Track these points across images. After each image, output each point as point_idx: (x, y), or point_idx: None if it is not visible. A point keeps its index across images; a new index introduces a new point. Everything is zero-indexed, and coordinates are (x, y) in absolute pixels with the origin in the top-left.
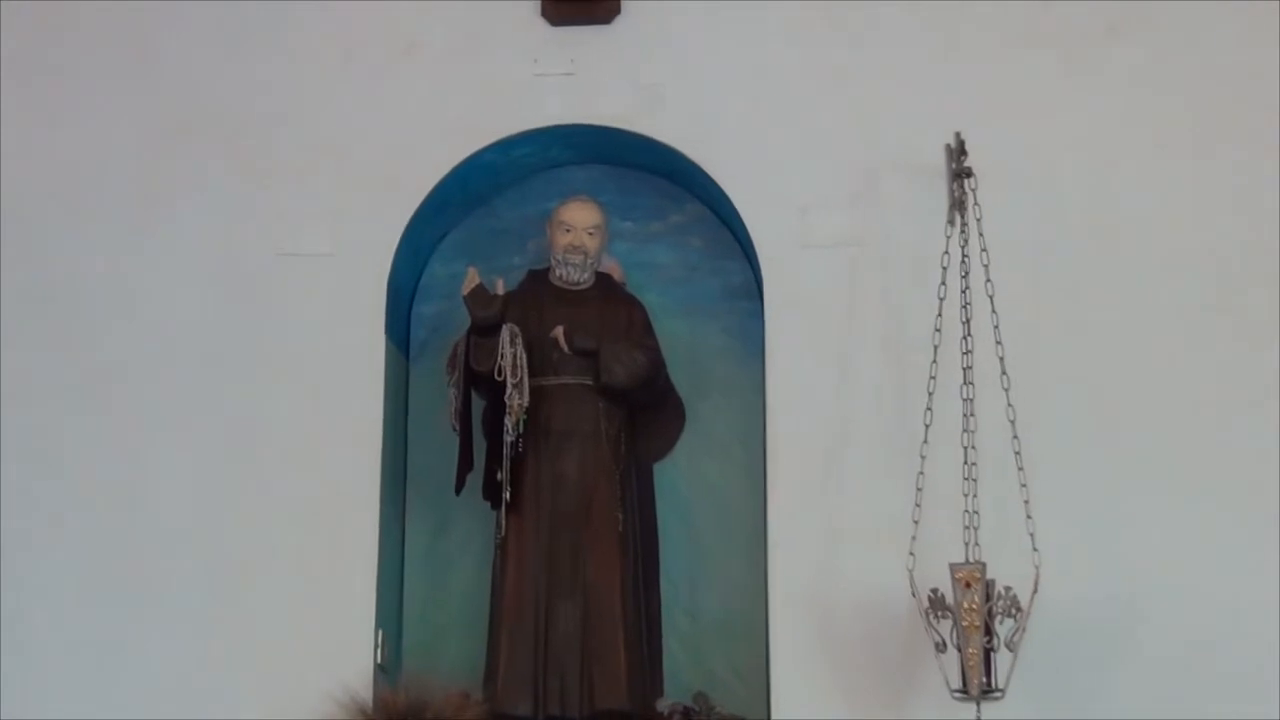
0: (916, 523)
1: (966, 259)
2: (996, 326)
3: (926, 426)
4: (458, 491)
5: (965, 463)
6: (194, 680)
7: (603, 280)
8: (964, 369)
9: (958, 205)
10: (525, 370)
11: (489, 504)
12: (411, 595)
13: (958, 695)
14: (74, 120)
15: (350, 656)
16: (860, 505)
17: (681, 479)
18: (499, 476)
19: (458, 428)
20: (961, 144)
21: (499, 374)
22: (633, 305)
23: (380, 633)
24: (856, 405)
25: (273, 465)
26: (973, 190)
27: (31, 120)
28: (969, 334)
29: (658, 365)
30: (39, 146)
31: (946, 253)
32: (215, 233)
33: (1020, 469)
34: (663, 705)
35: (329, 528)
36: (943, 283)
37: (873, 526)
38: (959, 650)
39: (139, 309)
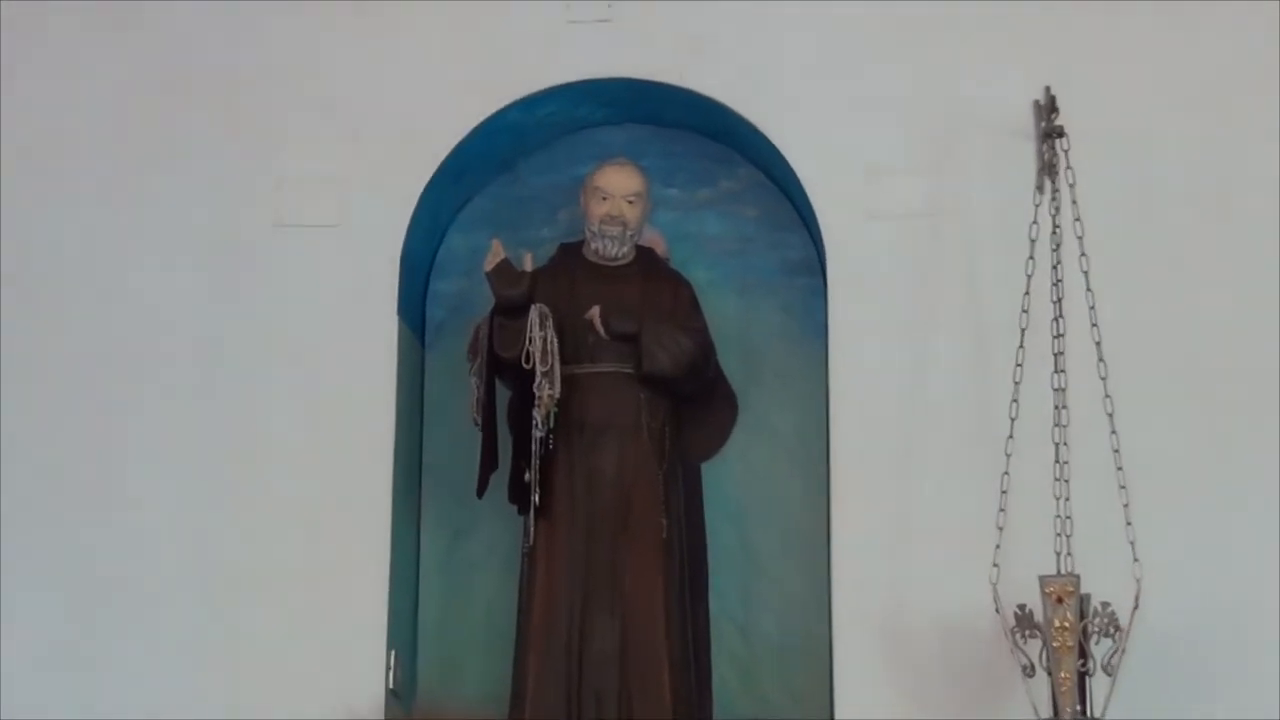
0: (1001, 529)
1: (1058, 230)
2: (1092, 307)
3: (1012, 420)
4: (480, 494)
5: (1057, 461)
6: (182, 706)
7: (644, 255)
8: (1055, 355)
9: (1047, 169)
10: (556, 356)
11: (515, 508)
12: (428, 610)
13: None
14: (45, 76)
15: (359, 679)
16: (936, 509)
17: (733, 479)
18: (527, 477)
19: (480, 421)
20: (1052, 100)
21: (527, 361)
22: (678, 283)
23: (393, 653)
24: (932, 396)
25: (271, 464)
26: (1064, 152)
27: None
28: (1060, 315)
29: (706, 350)
30: (5, 106)
31: (1035, 223)
32: (206, 202)
33: (1119, 468)
34: None
35: (334, 534)
36: (1030, 257)
37: (951, 534)
38: (1049, 674)
39: (119, 288)
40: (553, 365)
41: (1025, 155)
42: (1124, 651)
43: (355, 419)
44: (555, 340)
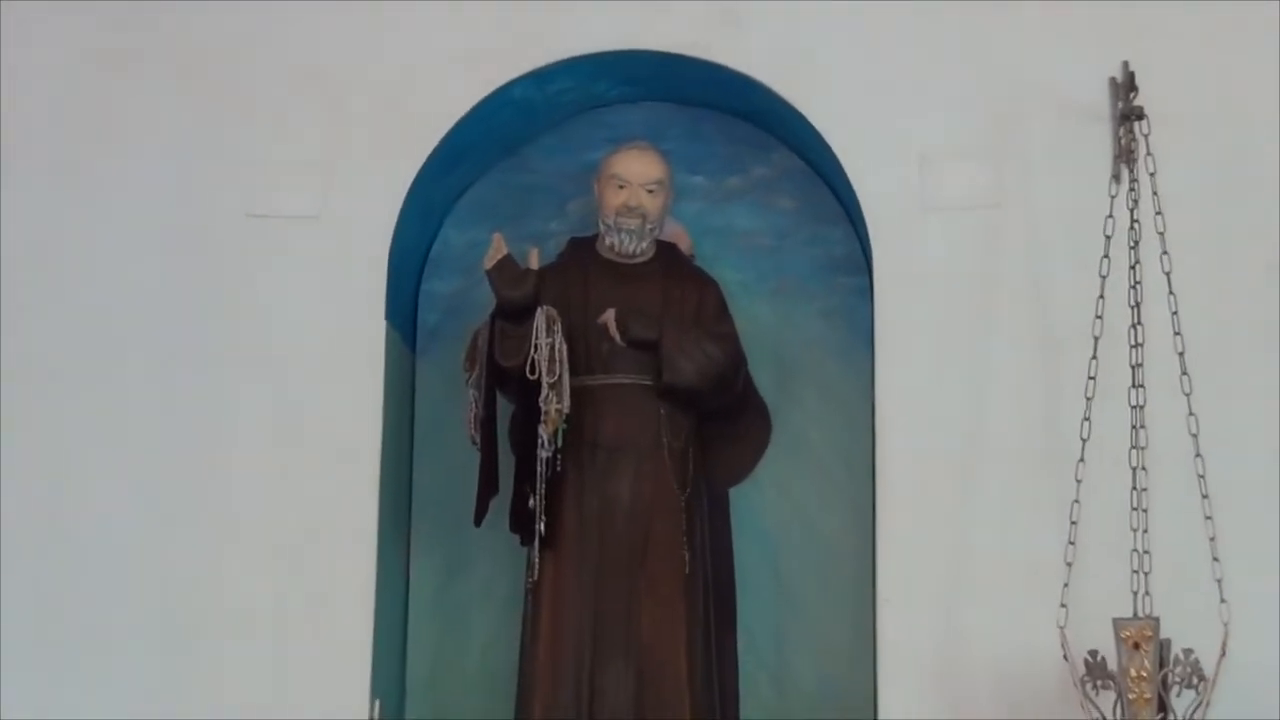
0: (1070, 565)
1: (1136, 225)
2: (1175, 313)
3: (1084, 441)
4: (478, 522)
5: (1134, 489)
6: None
7: (665, 251)
8: (1133, 367)
9: (1125, 156)
10: (565, 366)
11: (518, 538)
12: (418, 653)
13: None
14: None
15: None
16: (996, 542)
17: (766, 508)
18: (531, 503)
19: (478, 440)
20: (1130, 77)
21: (532, 371)
22: (704, 283)
23: (377, 703)
24: (992, 414)
25: (241, 487)
26: (1144, 137)
27: None
28: (1139, 322)
29: (735, 360)
30: None
31: (1110, 217)
32: (170, 189)
33: (1205, 496)
34: None
35: (313, 567)
36: (1105, 256)
37: (1013, 570)
38: None
39: (67, 287)
40: (561, 376)
41: (1100, 140)
42: (1209, 705)
43: (337, 437)
44: (564, 348)
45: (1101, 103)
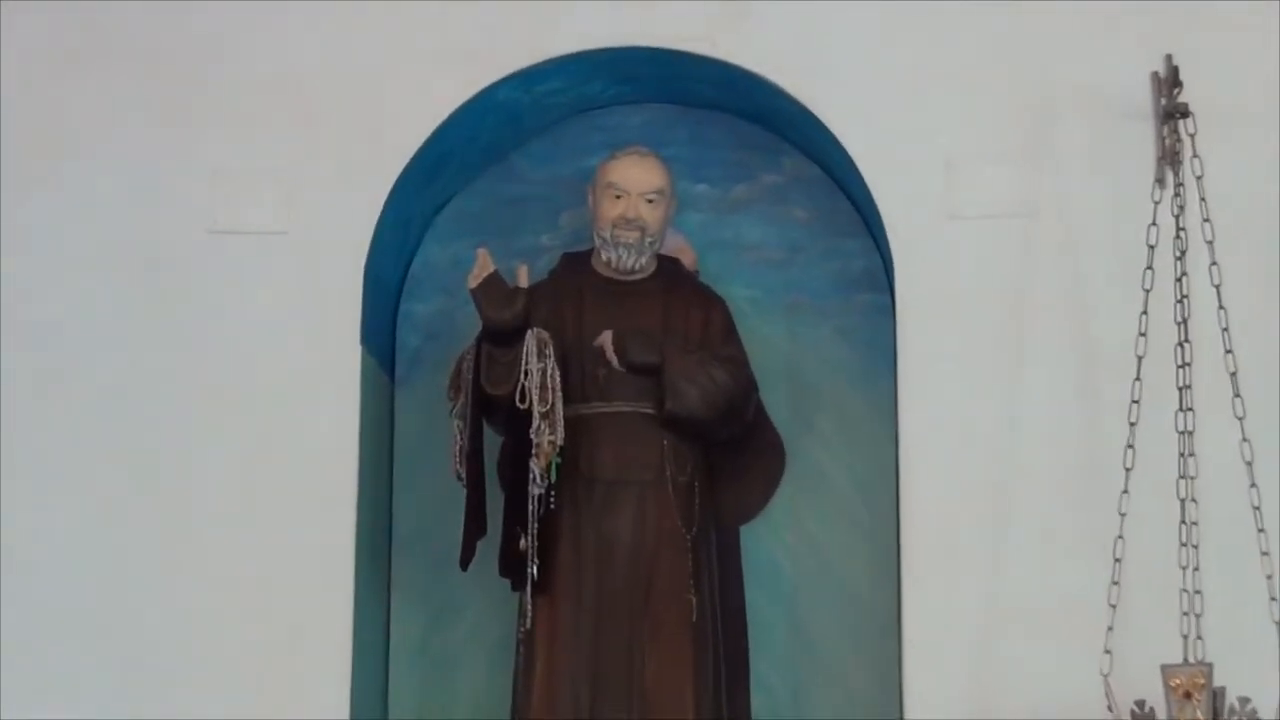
0: (1113, 608)
1: (1182, 233)
2: (1226, 329)
3: (1127, 471)
4: (465, 565)
5: (1183, 522)
6: None
7: (667, 267)
8: (1180, 389)
9: (1168, 158)
10: (559, 394)
11: (508, 583)
12: (400, 708)
13: None
14: None
15: None
16: (1033, 584)
17: (780, 547)
18: (522, 544)
19: (464, 476)
20: (1175, 72)
21: (522, 399)
22: (710, 302)
23: None
24: (1027, 442)
25: (206, 528)
26: (1190, 136)
27: None
28: (1186, 339)
29: (745, 386)
30: None
31: (1154, 224)
32: (123, 202)
33: (1260, 530)
34: None
35: (284, 615)
36: (1149, 267)
37: (1051, 614)
38: None
39: (18, 306)
40: (554, 405)
41: (1141, 141)
42: None
43: (309, 473)
44: (557, 373)
45: (1143, 100)
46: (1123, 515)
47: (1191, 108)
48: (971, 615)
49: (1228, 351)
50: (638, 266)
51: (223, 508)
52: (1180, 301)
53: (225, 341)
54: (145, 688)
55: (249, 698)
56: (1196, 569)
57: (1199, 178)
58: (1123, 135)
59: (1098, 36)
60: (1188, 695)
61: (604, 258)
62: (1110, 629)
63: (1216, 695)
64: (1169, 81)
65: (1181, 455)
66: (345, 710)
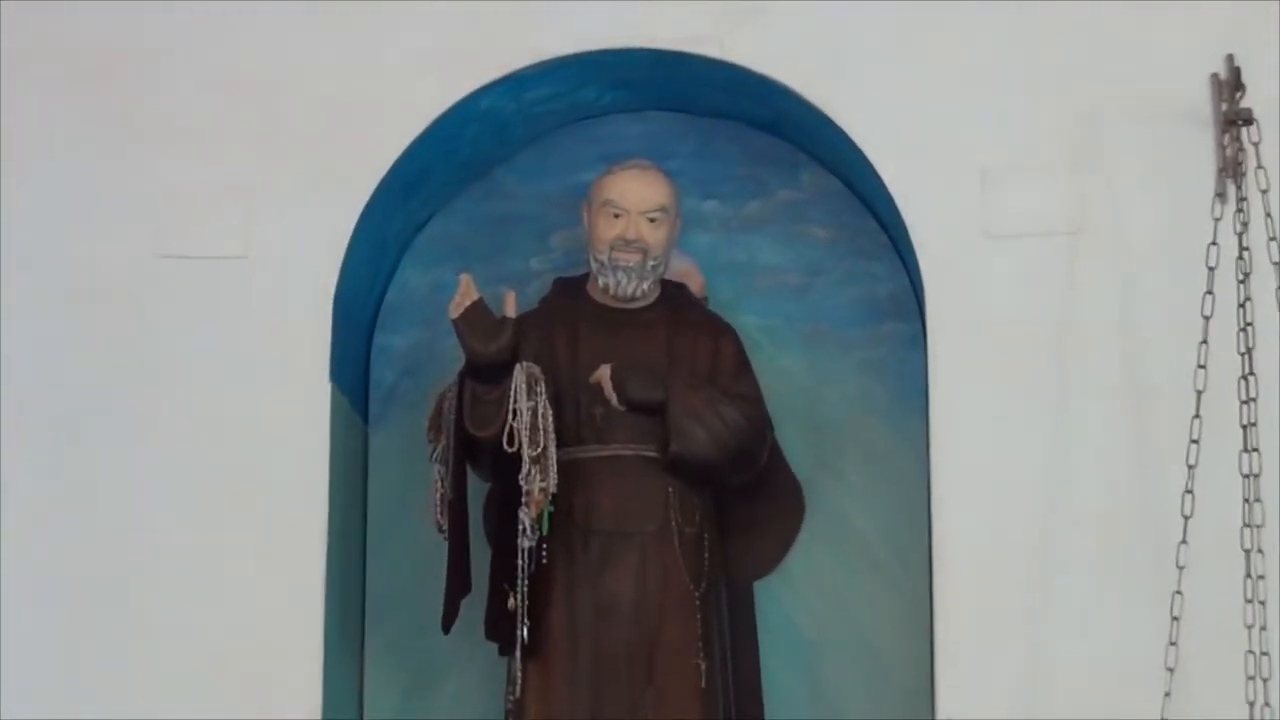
0: (1171, 671)
1: (1246, 254)
2: None
3: (1185, 519)
4: (447, 628)
5: (1248, 576)
6: None
7: (672, 294)
8: (1244, 427)
9: (1230, 170)
10: (551, 436)
11: (495, 646)
12: None
13: None
14: None
15: None
16: (1082, 646)
17: (799, 604)
18: (511, 604)
19: (446, 527)
20: (1236, 74)
21: (510, 442)
22: (719, 332)
23: None
24: (1074, 488)
25: (158, 587)
26: (1254, 145)
27: None
28: (1251, 372)
29: (759, 426)
30: None
31: (1214, 244)
32: (65, 224)
33: None
34: None
35: (248, 683)
36: (1209, 292)
37: (1102, 681)
38: None
39: None
40: (546, 448)
41: (1200, 151)
42: None
43: (273, 525)
44: (549, 413)
45: (1202, 105)
46: (1181, 568)
47: (1255, 113)
48: (1012, 679)
49: None
50: (639, 293)
51: (175, 567)
52: (1244, 330)
53: (177, 379)
54: None
55: None
56: (1264, 628)
57: (1264, 191)
58: (1179, 144)
59: (1151, 34)
60: None
61: (601, 283)
62: (1168, 695)
63: None
64: (1230, 84)
65: (1246, 501)
66: None
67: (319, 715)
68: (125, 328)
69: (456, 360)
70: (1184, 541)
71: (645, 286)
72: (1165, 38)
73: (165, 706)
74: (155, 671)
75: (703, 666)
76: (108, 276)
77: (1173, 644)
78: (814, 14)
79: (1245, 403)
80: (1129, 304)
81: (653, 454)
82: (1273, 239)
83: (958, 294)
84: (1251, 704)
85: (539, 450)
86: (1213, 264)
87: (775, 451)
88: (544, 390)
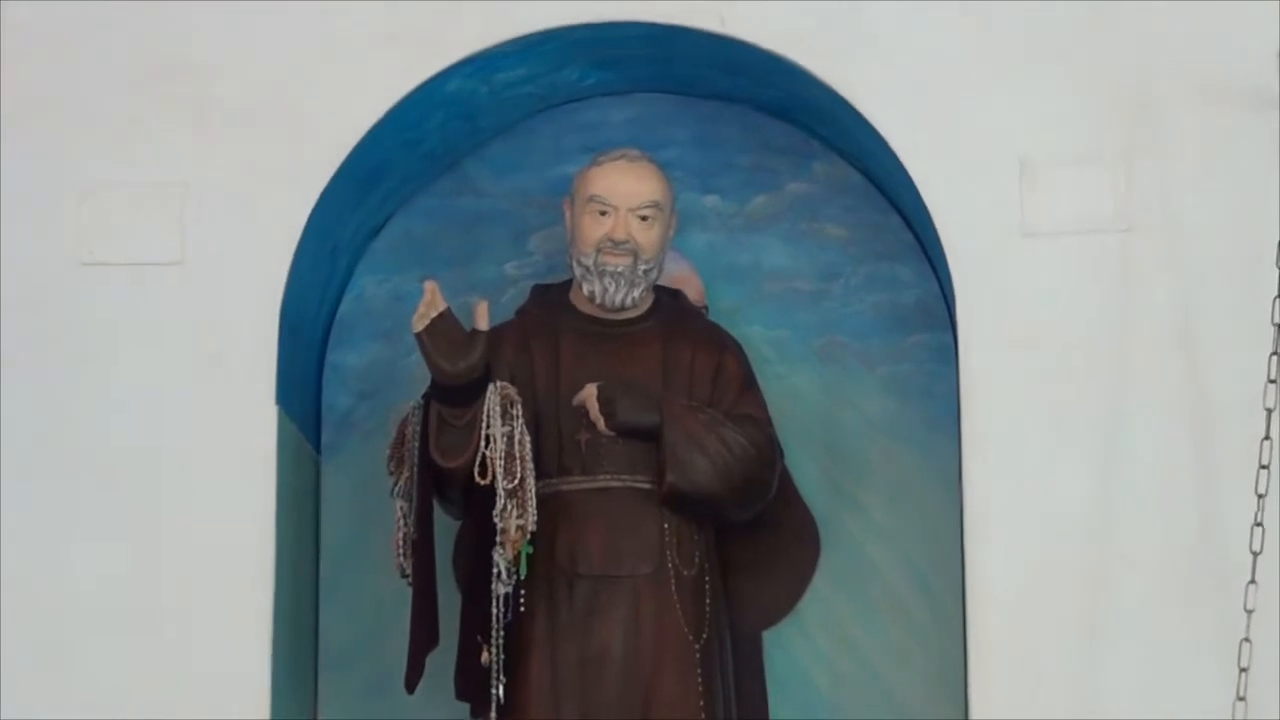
0: None
1: None
2: None
3: (1254, 556)
4: (411, 687)
5: None
6: None
7: (667, 303)
8: None
9: None
10: (530, 466)
11: (468, 707)
12: None
13: None
14: None
15: None
16: (1137, 701)
17: (814, 658)
18: (485, 658)
19: (409, 571)
20: None
21: (483, 473)
22: (721, 346)
23: None
24: (1127, 520)
25: (85, 641)
26: None
27: None
28: None
29: (767, 453)
30: None
31: None
32: None
33: None
34: None
35: None
36: (1279, 296)
37: None
38: None
39: None
40: (523, 480)
41: (1265, 137)
42: None
43: (214, 569)
44: (527, 440)
45: (1268, 86)
46: (1249, 613)
47: None
48: None
49: None
50: (629, 301)
51: (102, 615)
52: None
53: (103, 402)
54: None
55: None
56: None
57: None
58: (1241, 130)
59: (1210, 9)
60: None
61: (586, 291)
62: None
63: None
64: None
65: None
66: None
67: None
68: (45, 343)
69: (421, 380)
70: (1253, 582)
71: (636, 294)
72: (1226, 13)
73: None
74: None
75: None
76: (25, 286)
77: (1241, 699)
78: None
79: None
80: (1188, 310)
81: (646, 486)
82: None
83: (994, 300)
84: None
85: (515, 482)
86: None
87: (786, 482)
88: (521, 414)
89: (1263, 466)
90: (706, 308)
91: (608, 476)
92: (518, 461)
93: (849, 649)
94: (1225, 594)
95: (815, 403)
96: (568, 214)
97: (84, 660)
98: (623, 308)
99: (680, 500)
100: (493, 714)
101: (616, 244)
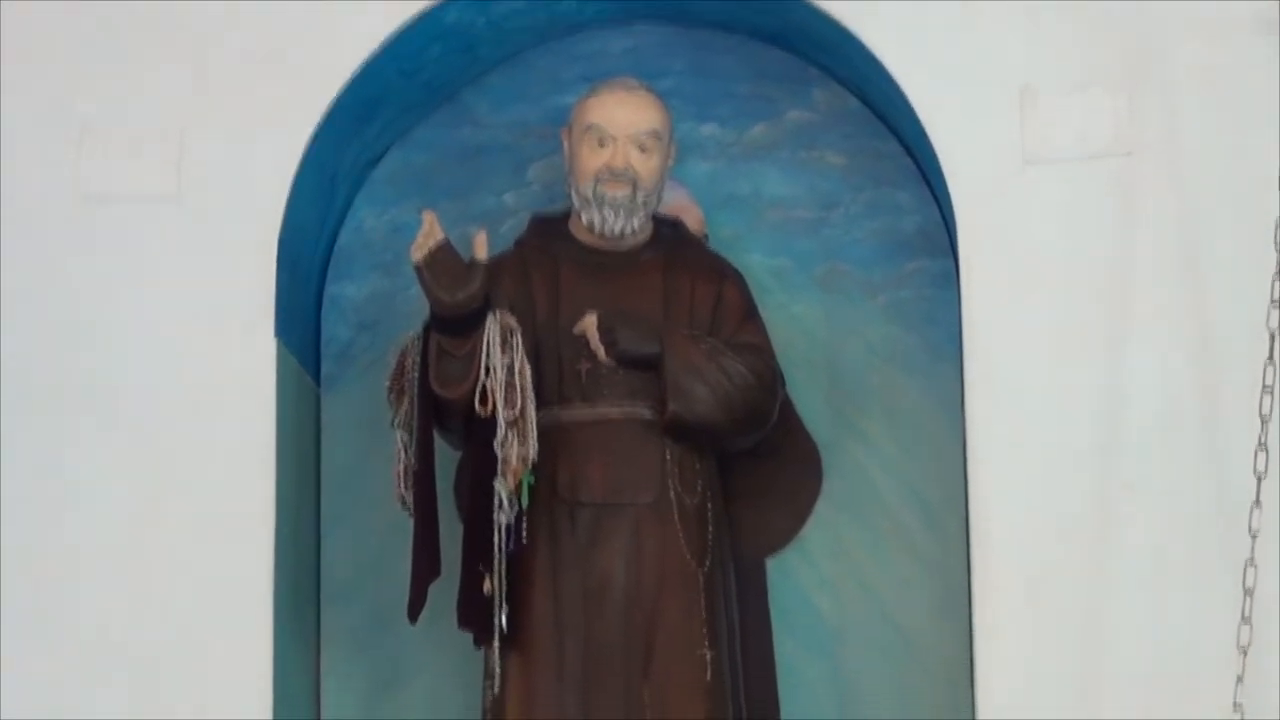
0: (1244, 651)
1: None
2: None
3: (1259, 479)
4: (413, 617)
5: None
6: None
7: (667, 232)
8: None
9: None
10: (530, 396)
11: (470, 637)
12: None
13: None
14: None
15: None
16: (1142, 624)
17: (818, 585)
18: (488, 587)
19: (411, 502)
20: None
21: (483, 403)
22: (722, 274)
23: None
24: (1130, 445)
25: (86, 575)
26: None
27: None
28: None
29: (768, 381)
30: None
31: None
32: None
33: None
34: None
35: (188, 682)
36: None
37: (1165, 662)
38: None
39: None
40: (524, 410)
41: (1268, 61)
42: None
43: (214, 502)
44: (527, 369)
45: (1269, 9)
46: (1254, 535)
47: None
48: (1063, 663)
49: None
50: (628, 231)
51: (102, 548)
52: None
53: (103, 336)
54: None
55: None
56: None
57: None
58: (1243, 54)
59: None
60: None
61: (585, 221)
62: (1240, 679)
63: None
64: None
65: None
66: None
67: (269, 717)
68: (43, 278)
69: (420, 311)
70: (1257, 504)
71: (636, 223)
72: None
73: (93, 702)
74: (82, 661)
75: (708, 657)
76: (24, 221)
77: (1245, 621)
78: None
79: None
80: (1190, 236)
81: (647, 415)
82: None
83: (995, 227)
84: None
85: (516, 412)
86: None
87: (788, 410)
88: (521, 343)
89: (1266, 388)
90: (706, 237)
91: (608, 406)
92: (518, 391)
93: (852, 575)
94: (1229, 516)
95: (816, 330)
96: (566, 144)
97: (83, 594)
98: (622, 237)
99: (682, 429)
100: (495, 643)
101: (615, 173)
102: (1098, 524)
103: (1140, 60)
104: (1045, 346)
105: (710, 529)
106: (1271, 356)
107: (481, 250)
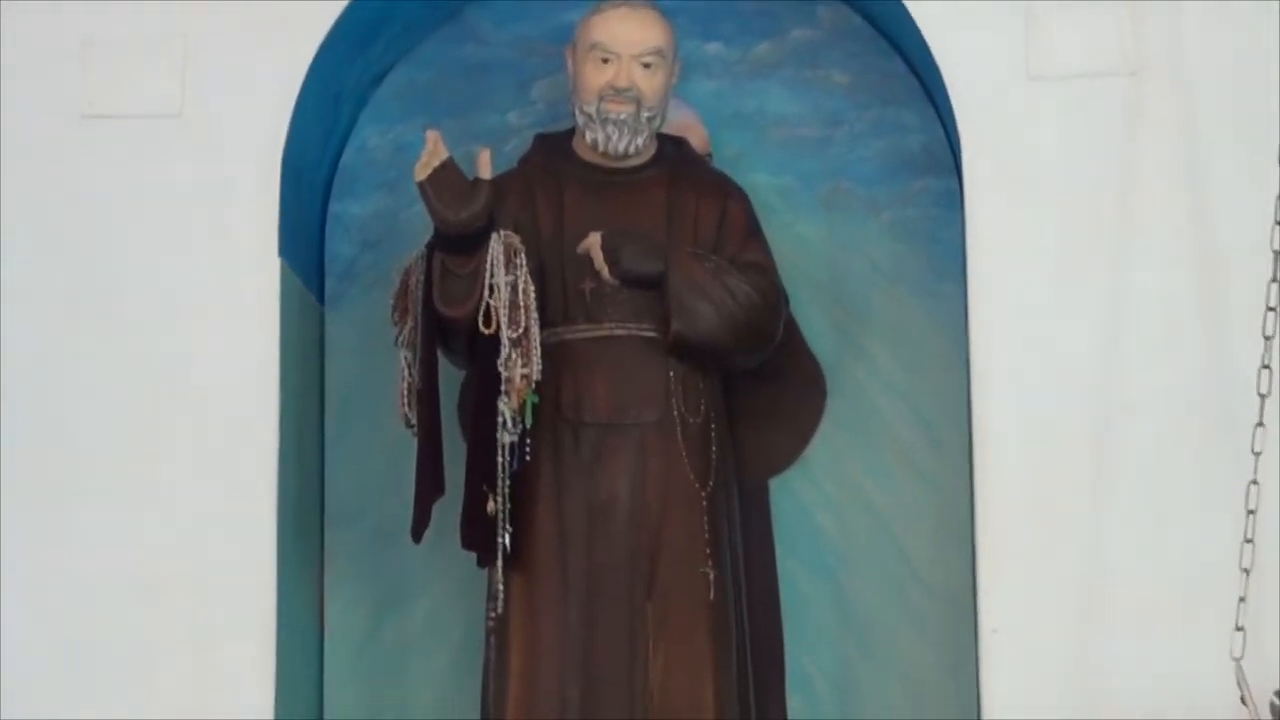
0: (1246, 573)
1: None
2: None
3: (1262, 399)
4: (417, 536)
5: None
6: None
7: (670, 151)
8: None
9: None
10: (534, 315)
11: (474, 557)
12: (340, 717)
13: None
14: None
15: None
16: (1143, 547)
17: (821, 505)
18: (491, 507)
19: (414, 422)
20: None
21: (487, 323)
22: (726, 193)
23: None
24: (1133, 366)
25: (88, 494)
26: None
27: None
28: None
29: (773, 300)
30: None
31: None
32: None
33: None
34: None
35: (193, 605)
36: None
37: (1166, 584)
38: None
39: None
40: (528, 329)
41: None
42: None
43: (216, 421)
44: (531, 288)
45: None
46: (1257, 455)
47: None
48: (1066, 585)
49: None
50: (632, 149)
51: (103, 468)
52: None
53: (106, 253)
54: (27, 696)
55: (153, 704)
56: None
57: None
58: None
59: None
60: None
61: (589, 139)
62: (1242, 600)
63: None
64: None
65: None
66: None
67: (272, 638)
68: (45, 195)
69: (424, 230)
70: (1260, 424)
71: (640, 142)
72: None
73: (97, 627)
74: (81, 589)
75: (711, 575)
76: (25, 139)
77: (1248, 541)
78: None
79: None
80: (1195, 154)
81: (651, 334)
82: None
83: (999, 145)
84: None
85: (520, 331)
86: None
87: (792, 329)
88: (525, 262)
89: (1270, 309)
90: (710, 155)
91: (612, 325)
92: (522, 310)
93: (855, 496)
94: (1232, 437)
95: (821, 249)
96: (570, 62)
97: (83, 511)
98: (626, 155)
99: (685, 348)
100: (499, 563)
101: (619, 91)
102: (1100, 442)
103: None
104: (1049, 264)
105: (714, 449)
106: (1275, 276)
107: (485, 169)
